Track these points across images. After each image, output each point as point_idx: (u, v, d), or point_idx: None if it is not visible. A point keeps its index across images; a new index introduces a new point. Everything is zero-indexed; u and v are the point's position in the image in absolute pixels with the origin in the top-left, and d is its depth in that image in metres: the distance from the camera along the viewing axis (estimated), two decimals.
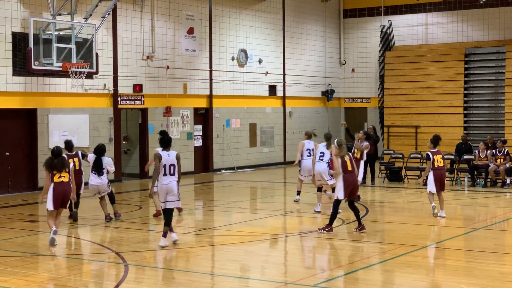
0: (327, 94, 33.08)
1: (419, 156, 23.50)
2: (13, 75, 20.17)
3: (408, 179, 22.62)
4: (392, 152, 25.33)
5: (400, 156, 23.95)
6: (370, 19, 33.68)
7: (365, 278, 10.01)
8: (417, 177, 22.25)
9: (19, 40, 20.18)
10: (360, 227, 13.54)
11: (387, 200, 18.79)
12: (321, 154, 16.38)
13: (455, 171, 22.37)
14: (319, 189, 16.45)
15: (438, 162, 15.25)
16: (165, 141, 12.44)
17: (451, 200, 18.41)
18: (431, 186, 15.26)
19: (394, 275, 10.32)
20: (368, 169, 22.33)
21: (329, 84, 33.34)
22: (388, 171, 23.04)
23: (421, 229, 14.13)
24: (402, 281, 9.97)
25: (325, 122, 33.37)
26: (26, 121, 20.88)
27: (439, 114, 30.60)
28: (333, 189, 17.23)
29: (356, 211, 13.57)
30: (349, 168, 13.48)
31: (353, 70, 34.05)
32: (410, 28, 32.97)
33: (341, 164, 13.36)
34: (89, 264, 11.09)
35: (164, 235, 12.19)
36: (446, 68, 30.95)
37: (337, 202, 13.47)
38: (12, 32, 20.10)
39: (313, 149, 17.50)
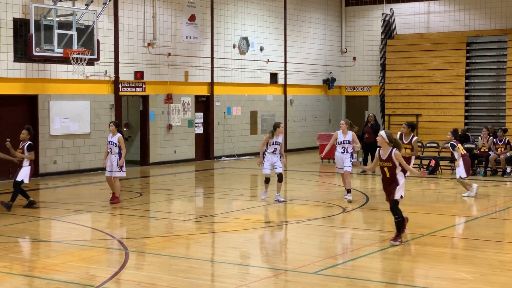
0: (328, 82, 33.06)
1: (420, 144, 23.45)
2: (14, 61, 20.15)
3: None
4: None
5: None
6: (372, 7, 33.61)
7: (365, 265, 10.04)
8: (417, 166, 22.26)
9: (20, 26, 20.15)
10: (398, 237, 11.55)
11: None
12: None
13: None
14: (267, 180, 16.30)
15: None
16: None
17: (451, 188, 18.44)
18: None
19: (393, 263, 10.35)
20: (369, 157, 22.39)
21: (330, 72, 33.32)
22: None
23: (421, 218, 14.15)
24: (401, 269, 10.00)
25: (326, 111, 33.37)
26: (27, 107, 20.88)
27: (440, 103, 30.60)
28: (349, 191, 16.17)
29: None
30: None
31: (354, 58, 34.00)
32: (412, 17, 32.90)
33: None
34: (90, 250, 11.12)
35: None
36: (448, 57, 30.92)
37: (397, 204, 11.47)
38: (14, 18, 20.06)
39: (346, 141, 16.14)
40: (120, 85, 23.22)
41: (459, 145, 17.11)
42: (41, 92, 20.96)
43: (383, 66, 32.53)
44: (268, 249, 11.40)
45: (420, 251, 11.07)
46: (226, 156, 27.51)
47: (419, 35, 32.62)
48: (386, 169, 11.38)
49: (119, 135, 15.72)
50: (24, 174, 15.10)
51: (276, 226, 13.52)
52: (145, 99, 24.45)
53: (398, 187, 11.30)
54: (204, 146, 26.92)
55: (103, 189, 17.83)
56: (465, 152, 17.34)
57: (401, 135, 16.69)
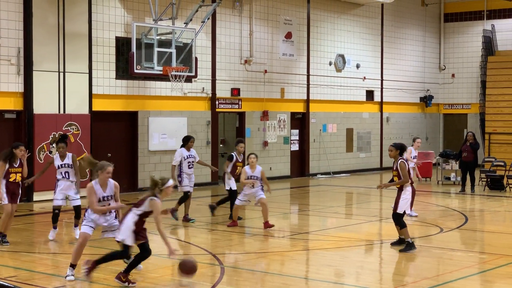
0: (426, 100, 32.52)
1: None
2: (116, 78, 20.78)
3: (510, 187, 21.94)
4: (493, 159, 24.68)
5: (502, 164, 23.30)
6: (472, 23, 32.90)
7: None
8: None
9: (122, 45, 20.79)
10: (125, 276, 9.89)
11: (487, 209, 18.29)
12: None
13: None
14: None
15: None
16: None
17: None
18: None
19: (494, 286, 10.04)
20: (467, 176, 21.81)
21: (428, 90, 32.76)
22: (488, 179, 22.42)
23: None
24: None
25: (423, 129, 32.81)
26: (127, 123, 21.44)
27: None
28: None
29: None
30: None
31: (453, 75, 33.33)
32: None
33: None
34: None
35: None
36: None
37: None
38: (116, 37, 20.71)
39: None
40: (217, 102, 23.55)
41: None
42: (141, 109, 21.48)
43: (483, 83, 31.75)
44: (363, 268, 11.26)
45: None
46: (322, 174, 27.41)
47: None
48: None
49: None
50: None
51: (371, 244, 13.35)
52: (241, 115, 24.69)
53: (123, 228, 9.95)
54: (300, 163, 26.92)
55: (199, 205, 18.08)
56: None
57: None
